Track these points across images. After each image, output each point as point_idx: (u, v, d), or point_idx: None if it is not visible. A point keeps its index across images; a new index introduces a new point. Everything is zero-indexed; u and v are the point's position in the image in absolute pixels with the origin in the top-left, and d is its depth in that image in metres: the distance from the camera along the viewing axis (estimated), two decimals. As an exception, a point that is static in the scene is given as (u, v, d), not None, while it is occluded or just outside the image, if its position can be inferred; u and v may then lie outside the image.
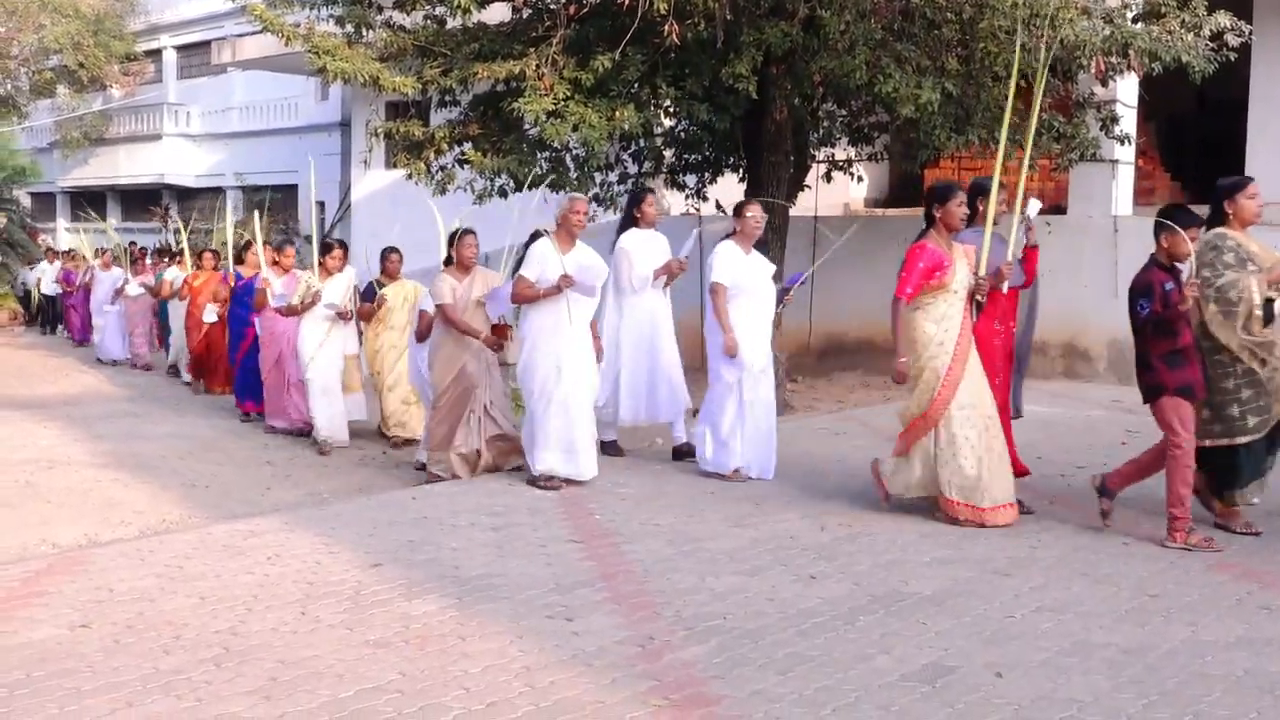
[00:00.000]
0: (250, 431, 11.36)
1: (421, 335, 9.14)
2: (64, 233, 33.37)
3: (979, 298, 6.74)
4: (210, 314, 13.53)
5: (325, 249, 10.52)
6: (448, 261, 8.69)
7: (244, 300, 12.04)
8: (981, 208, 6.94)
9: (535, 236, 8.68)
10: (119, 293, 18.02)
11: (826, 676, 4.27)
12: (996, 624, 4.87)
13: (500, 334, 8.47)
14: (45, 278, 24.58)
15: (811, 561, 5.86)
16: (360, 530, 6.52)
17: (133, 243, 24.98)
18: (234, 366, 12.39)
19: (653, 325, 8.66)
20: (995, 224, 6.82)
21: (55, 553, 6.58)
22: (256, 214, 13.76)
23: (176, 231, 26.40)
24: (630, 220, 8.80)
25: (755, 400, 7.94)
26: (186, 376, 15.07)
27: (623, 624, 4.85)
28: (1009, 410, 7.13)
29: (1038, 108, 7.52)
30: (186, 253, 15.90)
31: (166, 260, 18.25)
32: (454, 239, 8.62)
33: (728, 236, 8.11)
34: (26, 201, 33.20)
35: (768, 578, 5.56)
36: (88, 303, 20.70)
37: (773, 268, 8.40)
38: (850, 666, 4.37)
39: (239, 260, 13.37)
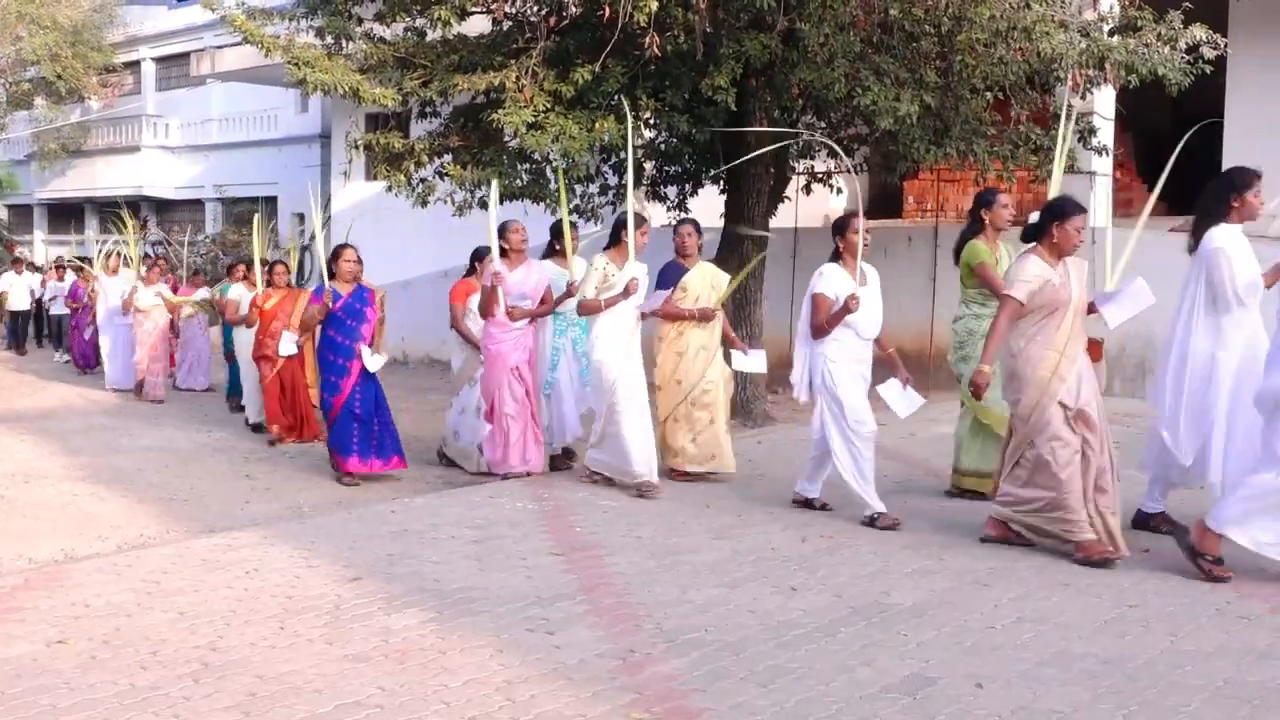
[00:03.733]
0: (228, 444, 11.30)
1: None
2: (40, 244, 33.22)
3: None
4: (289, 344, 10.81)
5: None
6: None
7: (345, 323, 9.31)
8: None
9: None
10: (125, 306, 15.67)
11: (807, 689, 4.26)
12: (977, 635, 4.88)
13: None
14: (14, 291, 22.55)
15: (792, 573, 5.86)
16: (340, 543, 6.49)
17: (158, 244, 24.32)
18: (332, 410, 9.27)
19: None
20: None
21: (31, 567, 6.53)
22: (258, 223, 13.41)
23: (155, 243, 26.35)
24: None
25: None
26: (256, 420, 12.28)
27: (604, 637, 4.84)
28: None
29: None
30: (257, 265, 12.71)
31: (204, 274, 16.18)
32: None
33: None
34: (3, 214, 33.05)
35: (749, 590, 5.56)
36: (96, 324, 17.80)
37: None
38: (831, 678, 4.36)
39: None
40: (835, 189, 14.34)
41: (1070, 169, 12.04)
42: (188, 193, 29.58)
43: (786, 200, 12.95)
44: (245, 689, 4.24)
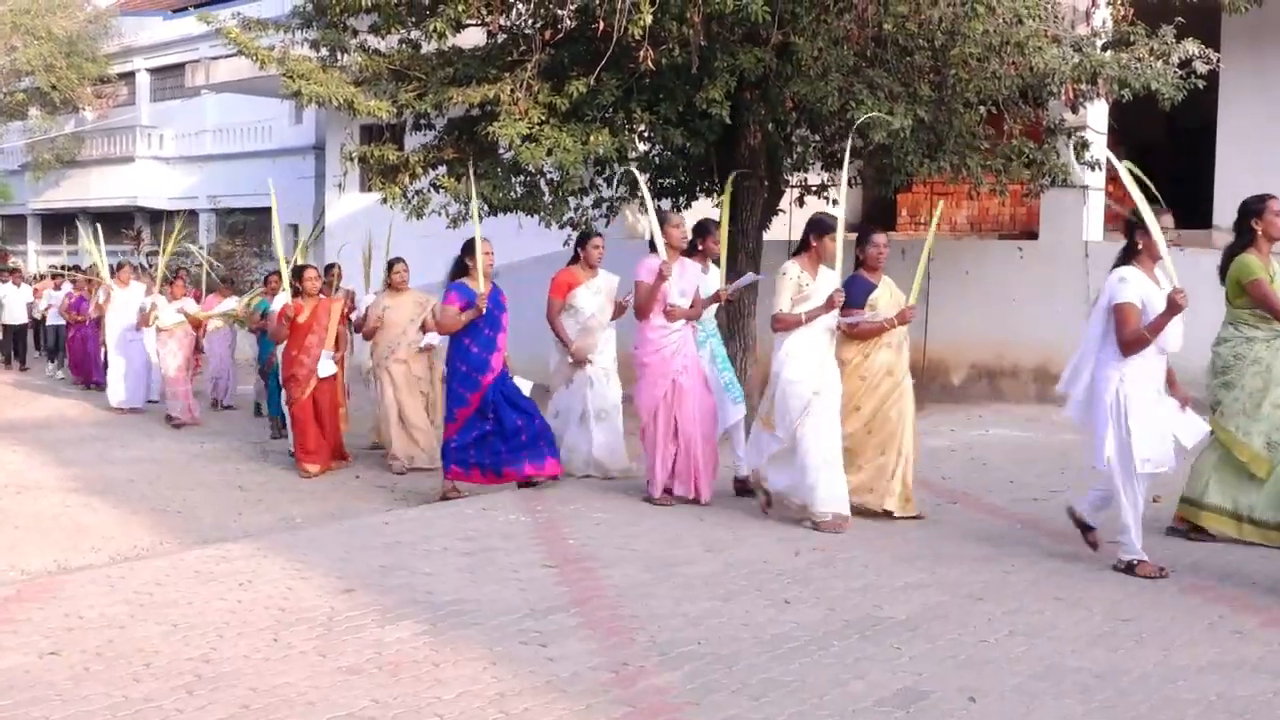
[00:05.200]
0: (221, 455, 11.29)
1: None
2: (33, 254, 33.18)
3: None
4: (328, 364, 10.00)
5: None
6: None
7: (483, 333, 8.41)
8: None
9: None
10: (142, 322, 14.40)
11: (800, 702, 4.27)
12: (970, 648, 4.88)
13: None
14: (10, 303, 21.28)
15: (786, 586, 5.86)
16: (333, 555, 6.48)
17: (151, 255, 23.58)
18: (454, 424, 8.52)
19: None
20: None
21: (24, 579, 6.52)
22: (278, 229, 12.36)
23: (150, 254, 26.32)
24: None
25: None
26: (280, 448, 11.29)
27: (597, 650, 4.84)
28: None
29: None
30: (285, 275, 10.89)
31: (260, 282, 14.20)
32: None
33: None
34: (-3, 224, 33.06)
35: (742, 603, 5.56)
36: (98, 337, 17.01)
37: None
38: (824, 692, 4.37)
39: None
40: (830, 201, 14.35)
41: (1063, 183, 12.14)
42: (182, 203, 29.55)
43: (780, 213, 12.98)
44: (238, 701, 4.24)
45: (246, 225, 26.98)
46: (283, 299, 10.86)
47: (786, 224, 13.65)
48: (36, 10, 28.27)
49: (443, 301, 8.50)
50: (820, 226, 7.23)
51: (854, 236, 7.76)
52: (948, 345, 13.75)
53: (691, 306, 8.00)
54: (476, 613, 5.36)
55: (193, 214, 29.10)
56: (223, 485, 9.78)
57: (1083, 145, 12.21)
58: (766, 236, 12.33)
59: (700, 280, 8.20)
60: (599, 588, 5.83)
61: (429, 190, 11.52)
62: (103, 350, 17.45)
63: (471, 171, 9.28)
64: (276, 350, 11.10)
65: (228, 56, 20.43)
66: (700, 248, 8.41)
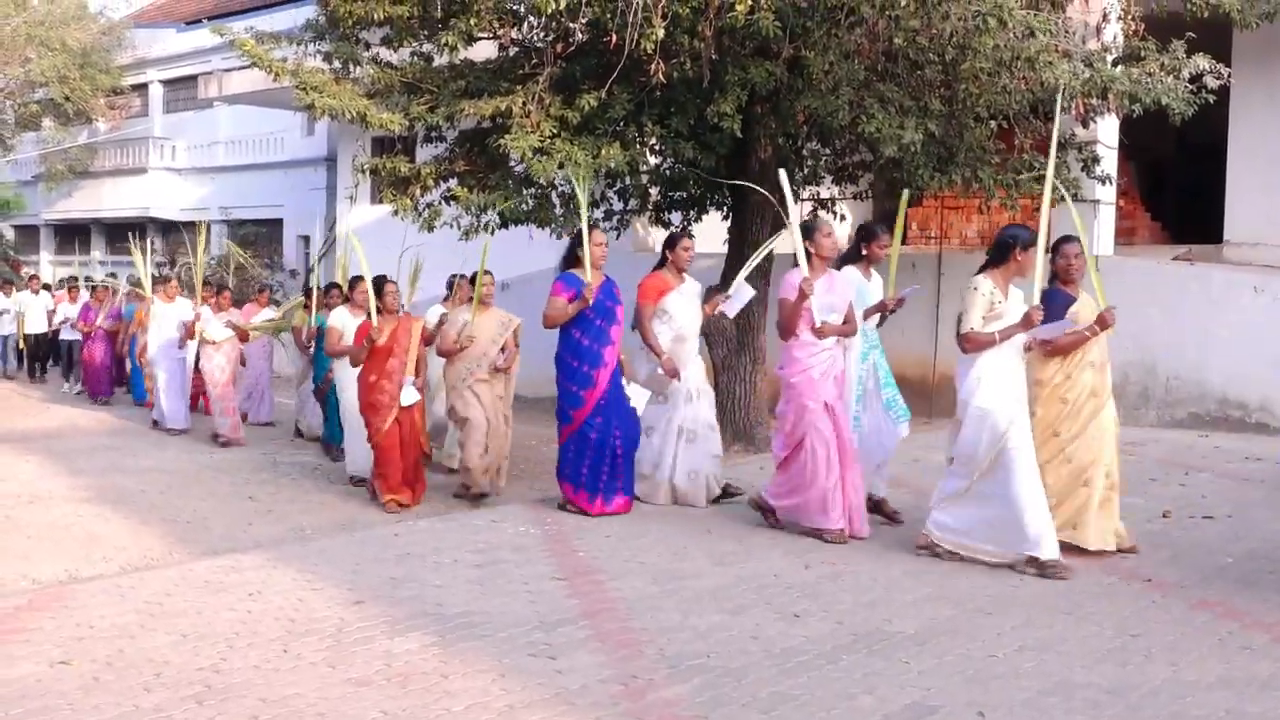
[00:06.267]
0: (231, 466, 11.32)
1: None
2: (46, 265, 33.30)
3: None
4: (411, 393, 9.10)
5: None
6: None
7: (594, 324, 8.01)
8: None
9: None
10: (187, 336, 13.54)
11: (809, 716, 4.26)
12: (979, 663, 4.88)
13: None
14: (30, 312, 20.89)
15: (795, 600, 5.86)
16: (343, 566, 6.50)
17: (162, 265, 23.07)
18: (570, 425, 8.03)
19: None
20: None
21: (35, 588, 6.54)
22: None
23: (160, 264, 26.41)
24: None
25: None
26: (358, 474, 10.06)
27: (606, 662, 4.84)
28: None
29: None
30: (371, 294, 9.47)
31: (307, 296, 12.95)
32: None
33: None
34: (10, 234, 33.17)
35: (751, 616, 5.56)
36: (111, 348, 17.25)
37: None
38: (833, 706, 4.37)
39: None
40: (839, 215, 14.37)
41: (1074, 197, 12.13)
42: (193, 214, 29.66)
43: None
44: (248, 712, 4.25)
45: (258, 236, 27.06)
46: (342, 314, 10.06)
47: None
48: (51, 22, 28.42)
49: (550, 293, 7.98)
50: (1020, 239, 6.58)
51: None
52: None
53: (845, 321, 7.33)
54: (486, 625, 5.37)
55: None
56: (233, 496, 9.80)
57: (1093, 160, 12.21)
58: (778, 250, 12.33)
59: (863, 288, 7.60)
60: (608, 600, 5.84)
61: (440, 202, 11.56)
62: (117, 364, 17.56)
63: (581, 160, 8.61)
64: (334, 367, 10.49)
65: (240, 69, 20.55)
66: (865, 253, 7.71)
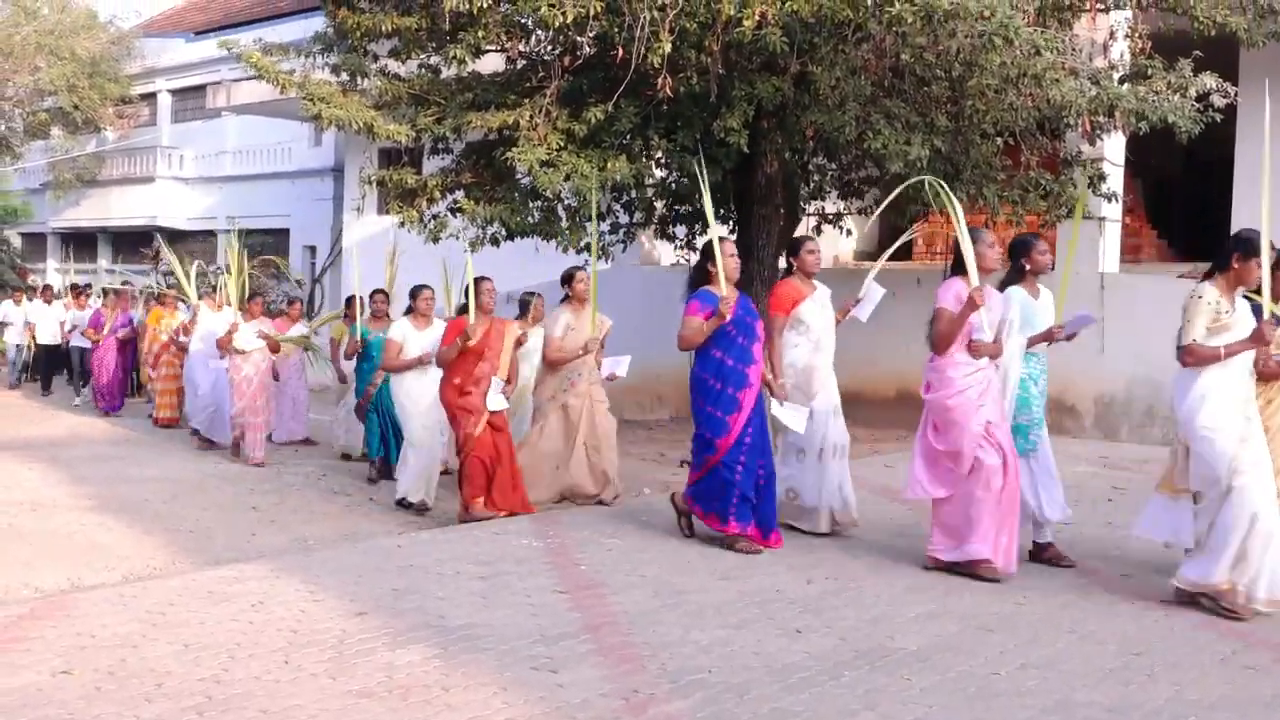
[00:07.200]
0: (235, 475, 11.32)
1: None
2: (54, 272, 33.38)
3: None
4: (497, 398, 8.65)
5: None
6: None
7: (736, 341, 7.30)
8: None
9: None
10: (224, 344, 12.58)
11: (811, 732, 4.26)
12: (981, 681, 4.87)
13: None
14: (42, 323, 20.23)
15: (797, 615, 5.85)
16: (345, 577, 6.49)
17: (169, 275, 22.86)
18: (714, 455, 7.27)
19: None
20: None
21: (37, 597, 6.54)
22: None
23: (167, 274, 26.45)
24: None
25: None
26: (412, 497, 9.44)
27: (608, 676, 4.84)
28: None
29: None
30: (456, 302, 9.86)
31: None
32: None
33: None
34: (17, 242, 33.25)
35: (753, 631, 5.55)
36: (123, 358, 16.79)
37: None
38: (835, 722, 4.36)
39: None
40: (845, 230, 14.39)
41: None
42: (200, 224, 29.72)
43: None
44: (249, 723, 4.25)
45: (264, 247, 27.10)
46: (404, 326, 9.52)
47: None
48: (61, 31, 28.52)
49: (685, 312, 7.36)
50: (1248, 246, 5.97)
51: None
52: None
53: (994, 342, 6.74)
54: (488, 637, 5.37)
55: (210, 234, 29.26)
56: (237, 506, 9.80)
57: (1100, 177, 12.22)
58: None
59: (1029, 308, 7.02)
60: (610, 614, 5.83)
61: (446, 214, 11.59)
62: (131, 375, 17.24)
63: (701, 172, 8.15)
64: (377, 380, 10.27)
65: (249, 79, 20.60)
66: (1027, 267, 7.09)
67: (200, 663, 4.93)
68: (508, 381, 8.70)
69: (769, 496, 7.33)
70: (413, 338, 9.45)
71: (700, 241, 13.56)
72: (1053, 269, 7.24)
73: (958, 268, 6.78)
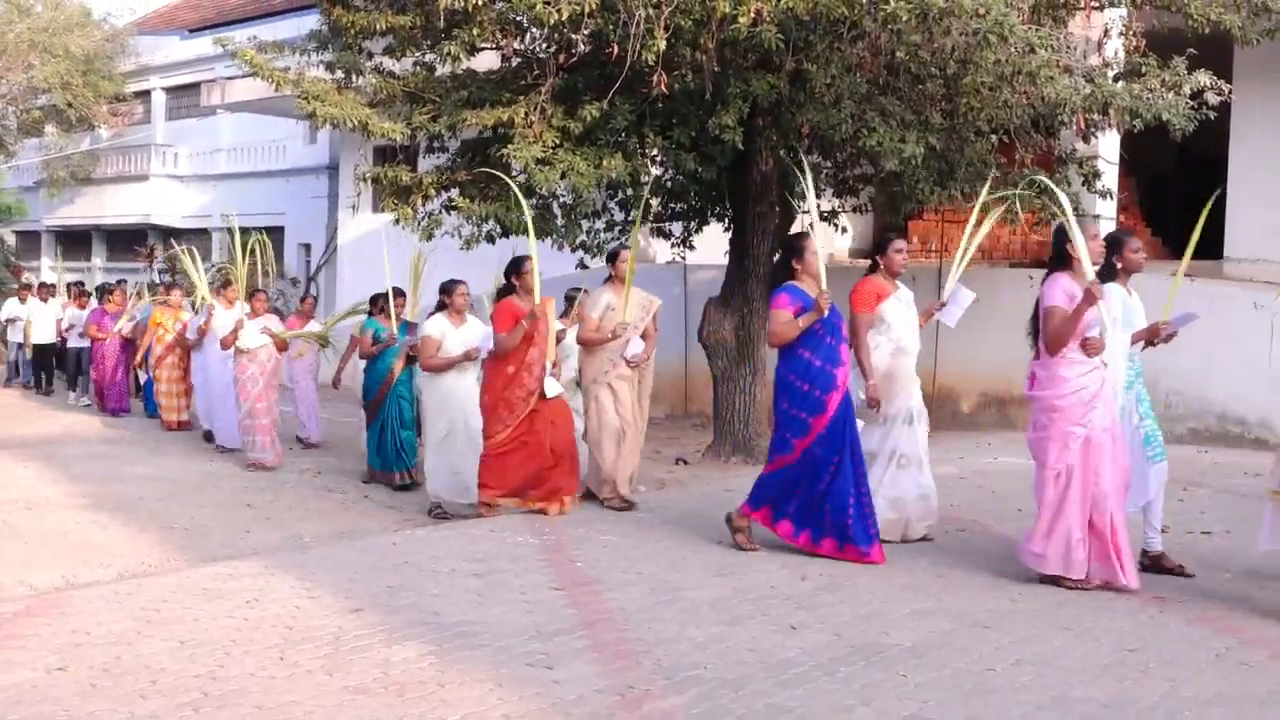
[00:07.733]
0: (230, 473, 11.31)
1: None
2: (48, 270, 33.33)
3: None
4: (553, 384, 8.37)
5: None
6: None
7: (824, 341, 7.01)
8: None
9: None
10: (230, 341, 11.97)
11: (806, 728, 4.26)
12: (976, 677, 4.87)
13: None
14: (38, 321, 19.58)
15: (792, 611, 5.85)
16: (341, 574, 6.49)
17: (165, 273, 22.30)
18: (789, 454, 7.00)
19: None
20: None
21: (32, 594, 6.54)
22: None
23: (164, 271, 26.44)
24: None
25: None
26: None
27: (603, 673, 4.84)
28: None
29: None
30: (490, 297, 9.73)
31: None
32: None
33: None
34: (11, 240, 33.19)
35: (748, 627, 5.55)
36: (126, 357, 16.35)
37: None
38: (829, 718, 4.36)
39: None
40: (840, 228, 14.40)
41: (1075, 212, 12.16)
42: (195, 221, 29.68)
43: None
44: (244, 719, 4.25)
45: (259, 244, 27.05)
46: (440, 322, 9.04)
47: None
48: (54, 28, 28.45)
49: (772, 306, 7.08)
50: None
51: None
52: (957, 373, 13.76)
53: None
54: (483, 634, 5.37)
55: (205, 232, 29.23)
56: (232, 503, 9.79)
57: (1094, 175, 12.24)
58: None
59: (1126, 306, 6.68)
60: (606, 611, 5.83)
61: (440, 211, 11.58)
62: (132, 374, 16.68)
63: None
64: (421, 383, 9.70)
65: (243, 76, 20.57)
66: (1120, 265, 6.69)
67: (195, 659, 4.93)
68: (554, 365, 8.40)
69: (847, 507, 6.90)
70: (451, 334, 9.00)
71: (696, 240, 13.60)
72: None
73: (1057, 262, 6.48)
